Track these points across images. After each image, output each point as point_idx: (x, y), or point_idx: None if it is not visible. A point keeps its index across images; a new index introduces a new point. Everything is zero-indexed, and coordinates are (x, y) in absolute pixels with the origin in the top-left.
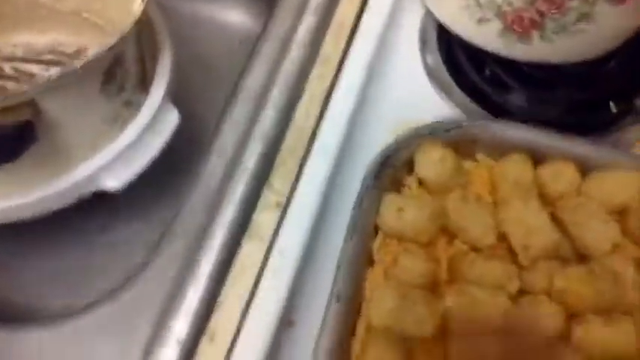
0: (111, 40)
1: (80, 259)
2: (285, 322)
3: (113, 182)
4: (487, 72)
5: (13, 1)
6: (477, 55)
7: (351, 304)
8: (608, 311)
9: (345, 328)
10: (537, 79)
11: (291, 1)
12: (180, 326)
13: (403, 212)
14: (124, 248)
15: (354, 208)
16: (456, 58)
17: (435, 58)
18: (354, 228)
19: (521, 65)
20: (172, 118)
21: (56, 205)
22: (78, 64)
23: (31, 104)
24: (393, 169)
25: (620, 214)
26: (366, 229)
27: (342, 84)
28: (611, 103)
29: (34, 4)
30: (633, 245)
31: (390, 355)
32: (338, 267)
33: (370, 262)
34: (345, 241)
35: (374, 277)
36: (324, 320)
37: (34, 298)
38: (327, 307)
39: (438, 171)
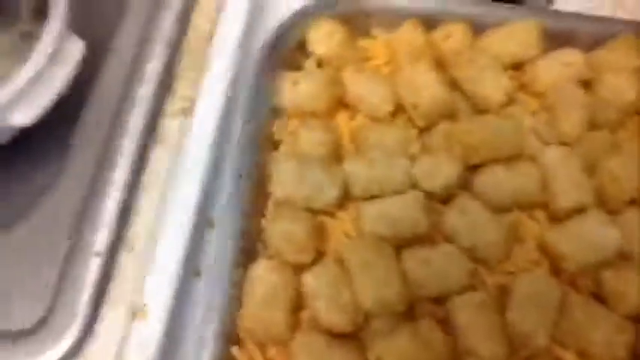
0: None
1: None
2: (205, 221)
3: (21, 118)
4: None
5: None
6: None
7: (254, 182)
8: (509, 160)
9: (251, 206)
10: None
11: None
12: (98, 238)
13: (298, 84)
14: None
15: (249, 92)
16: None
17: None
18: (249, 109)
19: None
20: (77, 48)
21: None
22: None
23: None
24: (286, 50)
25: (517, 68)
26: (263, 111)
27: None
28: None
29: None
30: (532, 98)
31: (295, 227)
32: (238, 149)
33: (274, 144)
34: (242, 124)
35: (278, 157)
36: (228, 201)
37: None
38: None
39: (330, 44)
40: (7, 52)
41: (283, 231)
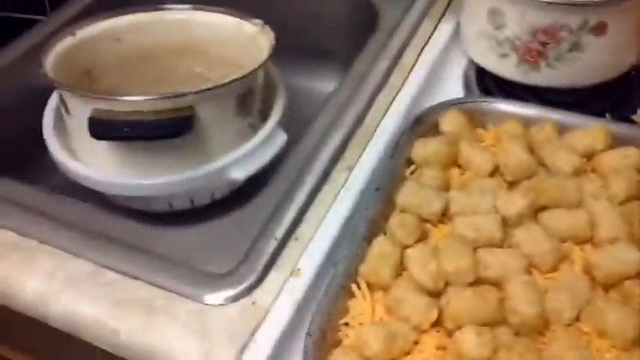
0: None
1: None
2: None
3: (239, 174)
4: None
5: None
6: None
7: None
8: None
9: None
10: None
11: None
12: (278, 230)
13: (427, 144)
14: None
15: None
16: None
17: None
18: (395, 149)
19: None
20: (281, 138)
21: (200, 188)
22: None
23: (191, 107)
24: (424, 127)
25: (589, 158)
26: (404, 155)
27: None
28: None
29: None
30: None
31: (410, 219)
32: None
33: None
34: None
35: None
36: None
37: None
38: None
39: (454, 126)
40: (239, 132)
41: (400, 220)
